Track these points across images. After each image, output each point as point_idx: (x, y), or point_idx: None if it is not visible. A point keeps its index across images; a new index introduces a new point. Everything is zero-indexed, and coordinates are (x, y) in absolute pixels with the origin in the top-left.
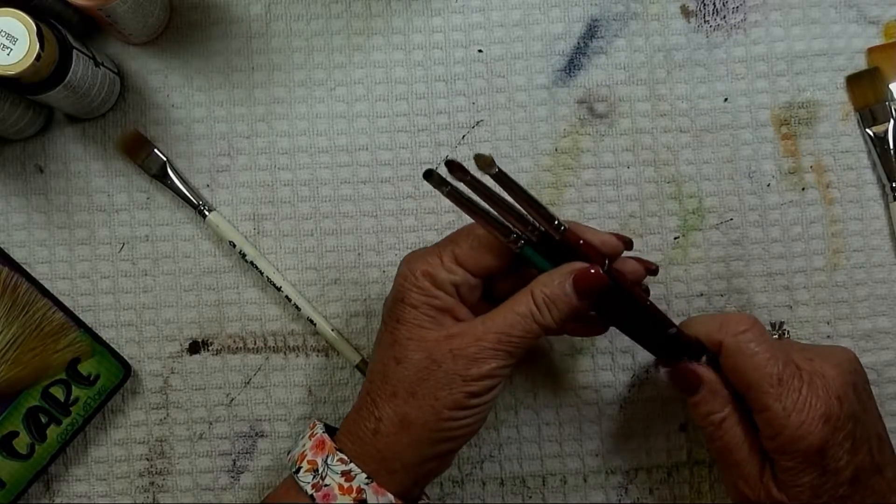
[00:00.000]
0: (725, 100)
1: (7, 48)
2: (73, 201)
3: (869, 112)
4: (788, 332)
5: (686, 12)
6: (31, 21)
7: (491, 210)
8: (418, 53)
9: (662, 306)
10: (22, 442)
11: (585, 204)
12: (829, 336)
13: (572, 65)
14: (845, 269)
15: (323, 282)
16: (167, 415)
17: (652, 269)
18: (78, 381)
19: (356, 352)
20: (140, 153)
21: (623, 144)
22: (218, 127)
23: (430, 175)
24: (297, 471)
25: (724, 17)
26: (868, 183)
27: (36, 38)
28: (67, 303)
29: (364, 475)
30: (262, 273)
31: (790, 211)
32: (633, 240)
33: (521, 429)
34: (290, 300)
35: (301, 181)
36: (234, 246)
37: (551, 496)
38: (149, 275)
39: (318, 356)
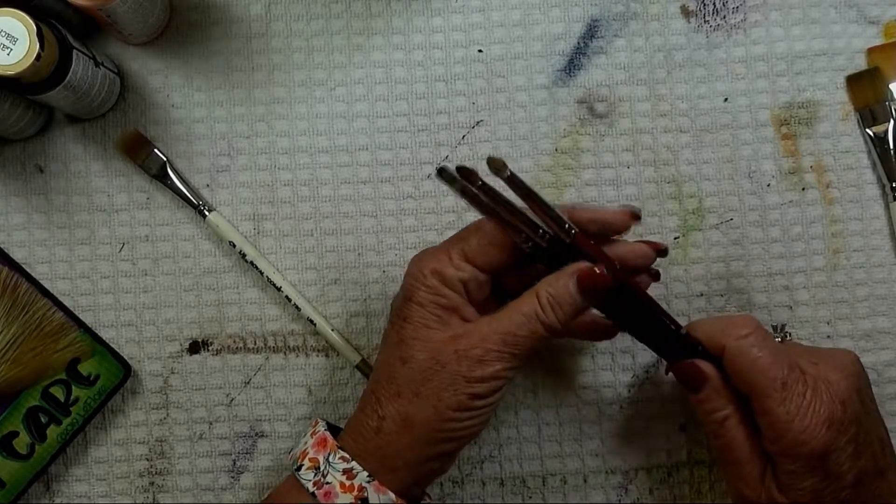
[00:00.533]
0: (725, 100)
1: (7, 48)
2: (73, 201)
3: (869, 112)
4: (790, 334)
5: (686, 12)
6: (31, 21)
7: (500, 210)
8: (418, 53)
9: (662, 306)
10: (22, 442)
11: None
12: (829, 336)
13: (572, 65)
14: (845, 269)
15: (323, 282)
16: (167, 415)
17: (661, 250)
18: (78, 381)
19: (356, 352)
20: (140, 153)
21: (623, 144)
22: (218, 127)
23: (442, 172)
24: (299, 469)
25: (724, 17)
26: (868, 183)
27: (36, 38)
28: (67, 303)
29: (365, 473)
30: (262, 273)
31: (790, 211)
32: (634, 240)
33: (521, 429)
34: (290, 300)
35: (301, 181)
36: (234, 246)
37: (551, 496)
38: (149, 275)
39: (318, 356)
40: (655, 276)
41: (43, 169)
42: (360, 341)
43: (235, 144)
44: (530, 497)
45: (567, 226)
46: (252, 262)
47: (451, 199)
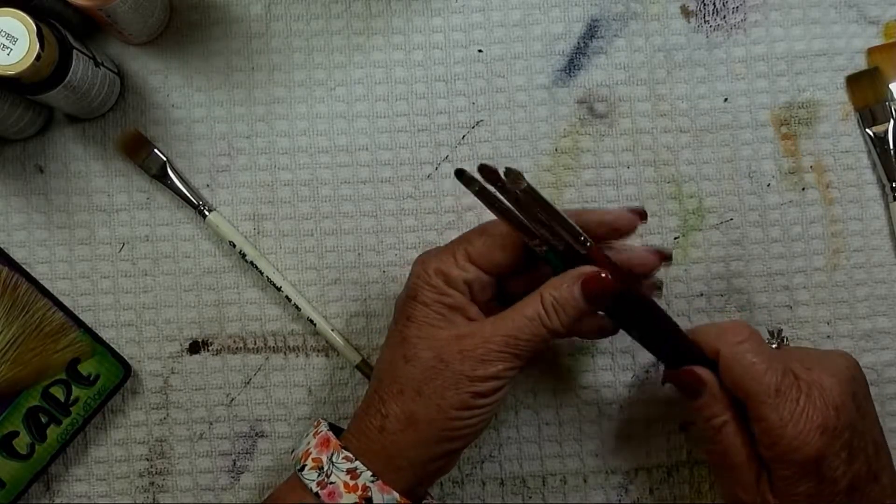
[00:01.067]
0: (725, 100)
1: (7, 48)
2: (73, 201)
3: (869, 112)
4: (787, 338)
5: (686, 12)
6: (31, 21)
7: (517, 212)
8: (418, 53)
9: (662, 306)
10: (22, 442)
11: (585, 204)
12: (829, 336)
13: (572, 65)
14: (845, 269)
15: (323, 282)
16: (167, 415)
17: (666, 256)
18: (78, 381)
19: (356, 352)
20: (140, 153)
21: (623, 144)
22: (218, 127)
23: (461, 174)
24: (302, 469)
25: (724, 17)
26: (868, 183)
27: (36, 38)
28: (67, 303)
29: (369, 473)
30: (262, 273)
31: (790, 211)
32: (634, 240)
33: (521, 429)
34: (290, 300)
35: (301, 181)
36: (234, 246)
37: (551, 496)
38: (149, 275)
39: (318, 356)
40: (659, 288)
41: (43, 169)
42: (360, 341)
43: (235, 144)
44: (530, 497)
45: (583, 237)
46: (252, 262)
47: (450, 199)
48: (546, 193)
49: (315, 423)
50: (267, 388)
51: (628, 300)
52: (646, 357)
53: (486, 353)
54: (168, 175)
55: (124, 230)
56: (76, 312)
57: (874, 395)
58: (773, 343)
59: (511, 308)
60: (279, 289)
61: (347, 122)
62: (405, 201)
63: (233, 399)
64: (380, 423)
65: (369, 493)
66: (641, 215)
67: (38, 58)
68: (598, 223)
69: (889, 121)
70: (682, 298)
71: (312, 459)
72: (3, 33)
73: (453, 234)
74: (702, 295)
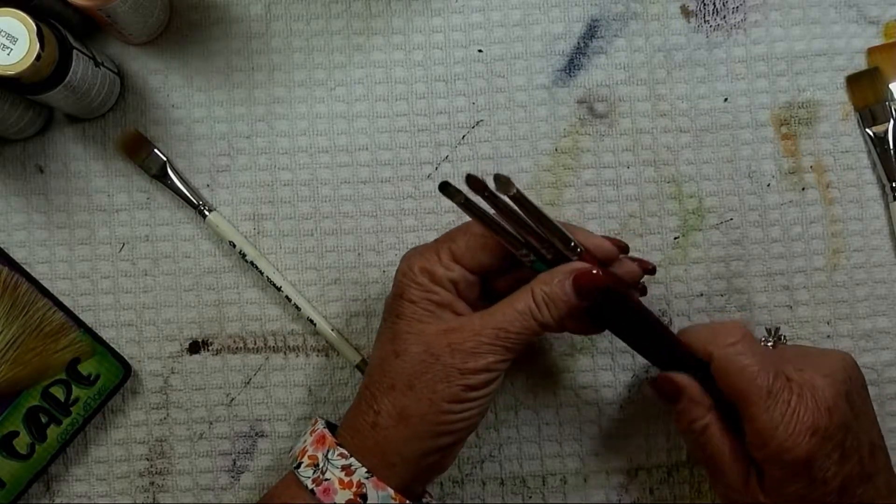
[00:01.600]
0: (725, 100)
1: (7, 48)
2: (73, 201)
3: (869, 112)
4: (785, 336)
5: (686, 12)
6: (31, 21)
7: (503, 222)
8: (418, 53)
9: (662, 306)
10: (22, 442)
11: (585, 204)
12: (828, 336)
13: (572, 65)
14: (845, 269)
15: (323, 282)
16: (167, 415)
17: (649, 269)
18: (78, 381)
19: (356, 352)
20: (140, 153)
21: (623, 144)
22: (218, 127)
23: (445, 187)
24: (298, 466)
25: (724, 17)
26: (868, 183)
27: (36, 38)
28: (67, 303)
29: (364, 469)
30: (262, 273)
31: (790, 211)
32: (633, 240)
33: (520, 429)
34: (290, 300)
35: (301, 181)
36: (234, 246)
37: (551, 496)
38: (149, 275)
39: (318, 356)
40: (643, 291)
41: (43, 169)
42: (360, 341)
43: (235, 144)
44: (530, 497)
45: (573, 243)
46: (252, 262)
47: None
48: (546, 193)
49: (313, 422)
50: (267, 388)
51: (617, 302)
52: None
53: (477, 346)
54: (168, 175)
55: (124, 230)
56: (76, 312)
57: (874, 395)
58: (770, 342)
59: (501, 301)
60: (279, 289)
61: (347, 122)
62: (405, 201)
63: (233, 399)
64: (372, 420)
65: (364, 490)
66: (622, 249)
67: (38, 58)
68: (581, 244)
69: (889, 121)
70: (682, 298)
71: (308, 457)
72: (3, 33)
73: None
74: (702, 295)
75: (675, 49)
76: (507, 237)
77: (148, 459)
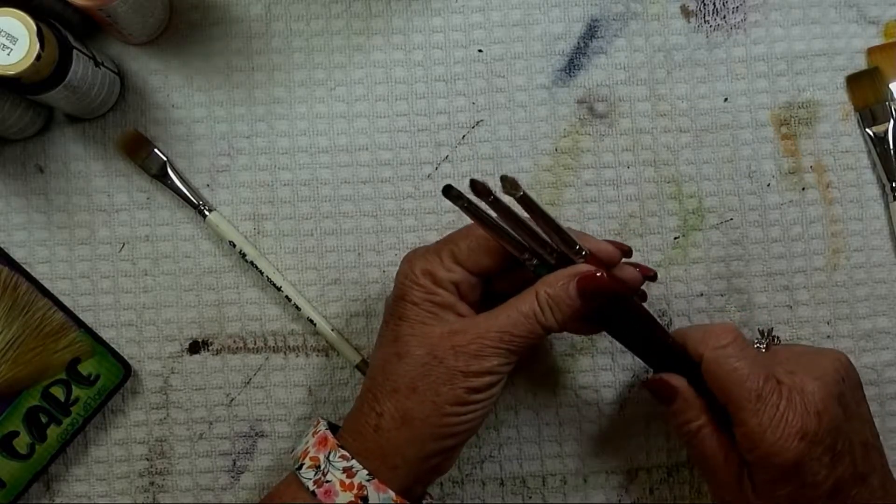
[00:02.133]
0: (725, 100)
1: (7, 48)
2: (73, 201)
3: (869, 112)
4: (778, 338)
5: (686, 12)
6: (31, 21)
7: (506, 226)
8: (418, 53)
9: (662, 306)
10: (22, 442)
11: (585, 204)
12: (829, 336)
13: (572, 65)
14: (845, 269)
15: (323, 282)
16: (167, 415)
17: (650, 276)
18: (78, 381)
19: (356, 352)
20: (140, 153)
21: (623, 144)
22: (218, 127)
23: (448, 191)
24: (300, 467)
25: (724, 17)
26: (868, 183)
27: (36, 38)
28: (67, 303)
29: (365, 472)
30: (262, 273)
31: (790, 211)
32: (634, 240)
33: (521, 429)
34: (290, 300)
35: (301, 181)
36: (234, 246)
37: (551, 496)
38: (149, 275)
39: (318, 356)
40: (643, 297)
41: (43, 169)
42: (360, 341)
43: (235, 144)
44: (530, 497)
45: (578, 247)
46: (252, 262)
47: None
48: (546, 193)
49: (315, 423)
50: (267, 388)
51: (618, 305)
52: None
53: (481, 349)
54: (168, 175)
55: (124, 230)
56: (76, 312)
57: (874, 394)
58: (762, 344)
59: (505, 304)
60: (279, 289)
61: (347, 122)
62: (405, 201)
63: (233, 399)
64: (375, 422)
65: (365, 492)
66: (626, 252)
67: (38, 58)
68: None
69: (889, 121)
70: (682, 298)
71: (310, 458)
72: (3, 33)
73: None
74: (702, 295)
75: (675, 49)
76: (511, 241)
77: (148, 459)
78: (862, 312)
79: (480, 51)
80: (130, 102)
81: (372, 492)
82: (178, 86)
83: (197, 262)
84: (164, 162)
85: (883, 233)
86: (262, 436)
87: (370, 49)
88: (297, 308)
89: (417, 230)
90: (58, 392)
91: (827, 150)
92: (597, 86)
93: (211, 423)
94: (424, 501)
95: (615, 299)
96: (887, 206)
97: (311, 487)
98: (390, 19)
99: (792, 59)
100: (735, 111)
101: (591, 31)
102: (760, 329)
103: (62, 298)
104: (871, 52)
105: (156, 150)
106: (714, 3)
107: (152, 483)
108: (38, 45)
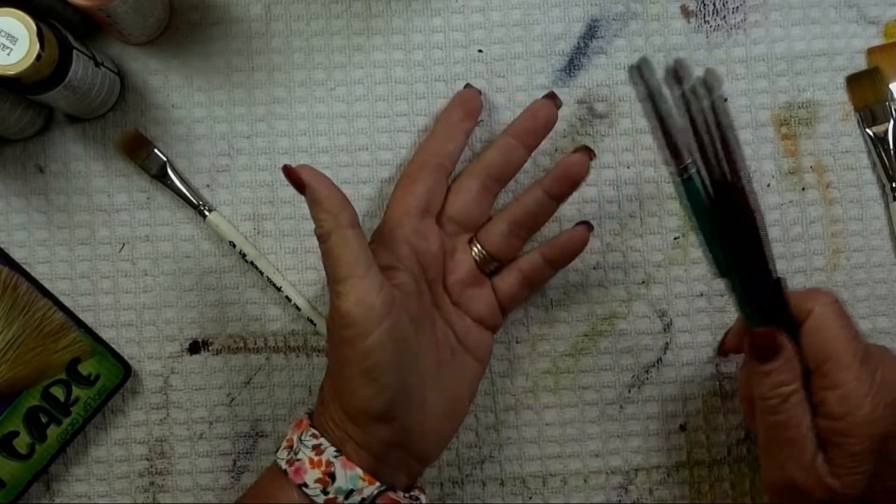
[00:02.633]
0: (725, 100)
1: (7, 48)
2: (73, 201)
3: (869, 112)
4: None
5: (686, 12)
6: (31, 21)
7: (672, 131)
8: (418, 53)
9: (662, 306)
10: (22, 442)
11: (585, 204)
12: None
13: (572, 65)
14: (845, 269)
15: (323, 282)
16: (167, 415)
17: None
18: (78, 381)
19: None
20: (140, 153)
21: (623, 144)
22: (218, 127)
23: (639, 67)
24: (277, 450)
25: (724, 17)
26: (868, 183)
27: (36, 38)
28: (67, 303)
29: (333, 449)
30: (262, 273)
31: (790, 211)
32: (633, 240)
33: (521, 429)
34: (290, 300)
35: None
36: (235, 246)
37: (552, 497)
38: (149, 275)
39: (318, 356)
40: (589, 227)
41: (43, 169)
42: None
43: (235, 144)
44: (531, 498)
45: (741, 174)
46: (252, 263)
47: None
48: None
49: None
50: (267, 388)
51: (739, 220)
52: (646, 357)
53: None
54: (168, 175)
55: (124, 230)
56: (76, 312)
57: None
58: None
59: None
60: (279, 289)
61: (347, 122)
62: None
63: (233, 399)
64: (323, 396)
65: (332, 469)
66: (556, 103)
67: (38, 58)
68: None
69: (889, 121)
70: (682, 298)
71: (286, 440)
72: (3, 33)
73: None
74: (702, 295)
75: (675, 49)
76: (670, 146)
77: (148, 459)
78: (862, 312)
79: (480, 51)
80: (130, 102)
81: (339, 468)
82: (178, 86)
83: (197, 263)
84: (164, 162)
85: (883, 233)
86: (263, 436)
87: (370, 49)
88: (298, 308)
89: None
90: (58, 392)
91: (827, 150)
92: (597, 86)
93: (211, 423)
94: (412, 493)
95: (736, 217)
96: (887, 206)
97: (284, 467)
98: (390, 19)
99: (792, 59)
100: (735, 111)
101: (591, 32)
102: None
103: (62, 298)
104: (871, 52)
105: (156, 151)
106: (714, 4)
107: (152, 483)
108: (38, 45)
